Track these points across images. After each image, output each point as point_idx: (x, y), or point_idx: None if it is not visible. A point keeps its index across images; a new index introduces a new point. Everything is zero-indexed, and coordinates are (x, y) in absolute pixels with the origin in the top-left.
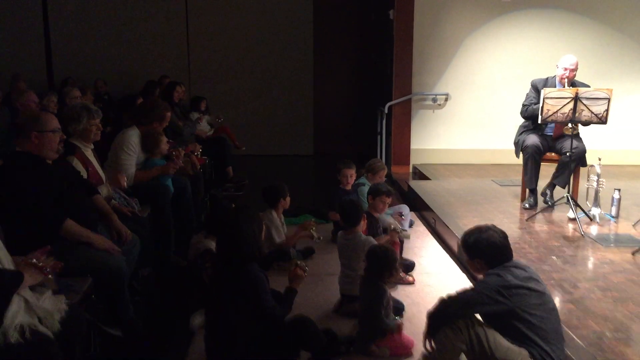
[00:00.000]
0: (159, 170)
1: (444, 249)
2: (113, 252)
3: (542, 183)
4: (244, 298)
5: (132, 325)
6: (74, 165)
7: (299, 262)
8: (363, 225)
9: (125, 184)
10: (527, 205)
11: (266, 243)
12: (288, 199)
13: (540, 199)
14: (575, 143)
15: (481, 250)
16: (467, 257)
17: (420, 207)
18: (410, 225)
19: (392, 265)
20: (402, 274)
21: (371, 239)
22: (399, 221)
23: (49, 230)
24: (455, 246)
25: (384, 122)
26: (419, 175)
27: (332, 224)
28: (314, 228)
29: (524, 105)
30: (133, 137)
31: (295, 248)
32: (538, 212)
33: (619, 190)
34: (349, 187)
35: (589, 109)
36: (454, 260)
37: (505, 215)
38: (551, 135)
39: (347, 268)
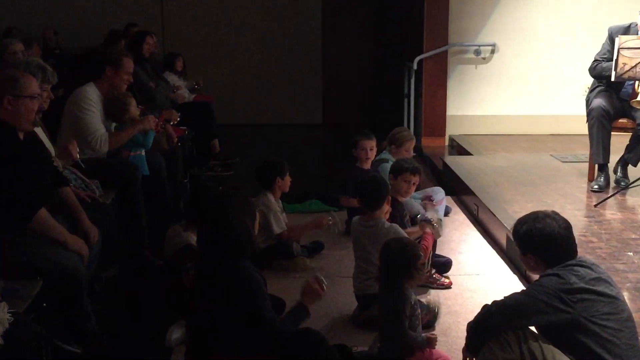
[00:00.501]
0: (136, 127)
1: (489, 243)
2: (83, 256)
3: (617, 158)
4: (235, 306)
5: (93, 339)
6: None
7: (319, 275)
8: (386, 209)
9: (77, 155)
10: (595, 187)
11: (262, 234)
12: (287, 178)
13: (612, 178)
14: None
15: (535, 244)
16: (519, 252)
17: (458, 190)
18: (446, 213)
19: (410, 265)
20: (435, 275)
21: (397, 227)
22: (429, 208)
23: (17, 217)
24: (503, 239)
25: (412, 81)
26: (457, 149)
27: (345, 211)
28: (330, 221)
29: (595, 61)
30: (90, 92)
31: (299, 242)
32: (610, 196)
33: None
34: (367, 166)
35: None
36: (502, 257)
37: (568, 200)
38: (627, 93)
39: (364, 262)
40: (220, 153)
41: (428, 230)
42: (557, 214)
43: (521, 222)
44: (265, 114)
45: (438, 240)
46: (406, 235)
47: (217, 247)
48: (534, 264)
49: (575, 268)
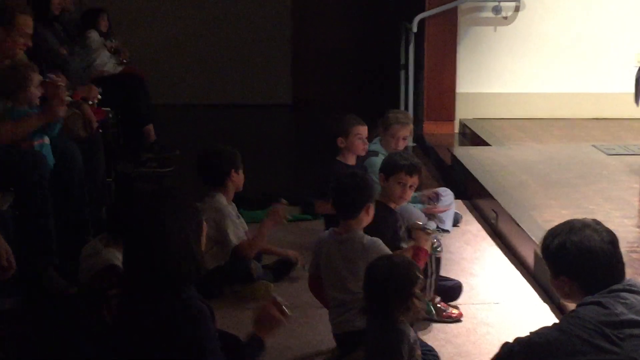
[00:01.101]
0: (41, 116)
1: (512, 262)
2: None
3: None
4: (172, 348)
5: None
6: None
7: (277, 298)
8: (366, 218)
9: None
10: None
11: (210, 251)
12: (242, 173)
13: None
14: None
15: (571, 262)
16: (550, 273)
17: (472, 193)
18: (456, 222)
19: (405, 291)
20: (440, 304)
21: (380, 243)
22: (431, 213)
23: None
24: (530, 257)
25: (411, 48)
26: (471, 138)
27: (322, 220)
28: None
29: None
30: None
31: (260, 261)
32: None
33: None
34: (352, 160)
35: None
36: (528, 280)
37: (615, 205)
38: None
39: (339, 290)
40: (156, 143)
41: (423, 240)
42: (599, 223)
43: (553, 235)
44: (217, 91)
45: (444, 257)
46: (389, 252)
47: (148, 270)
48: (569, 290)
49: (623, 295)
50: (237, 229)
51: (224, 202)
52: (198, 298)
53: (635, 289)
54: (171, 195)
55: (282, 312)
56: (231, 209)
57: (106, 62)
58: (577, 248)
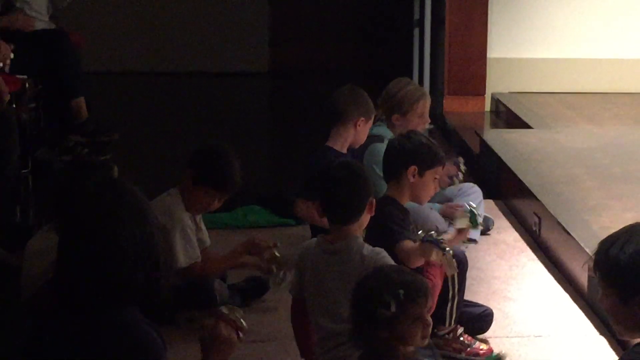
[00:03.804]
0: None
1: (560, 281)
2: None
3: None
4: None
5: None
6: None
7: (226, 311)
8: (367, 219)
9: None
10: None
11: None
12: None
13: None
14: None
15: None
16: (614, 294)
17: (507, 190)
18: (486, 229)
19: (405, 317)
20: (464, 338)
21: (383, 253)
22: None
23: None
24: (584, 276)
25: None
26: (506, 118)
27: (308, 227)
28: (275, 253)
29: None
30: None
31: (225, 281)
32: None
33: None
34: (345, 149)
35: None
36: (580, 306)
37: None
38: None
39: (329, 318)
40: (88, 123)
41: (434, 258)
42: None
43: (615, 242)
44: (172, 57)
45: (470, 276)
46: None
47: (84, 286)
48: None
49: None
50: (190, 246)
51: (181, 206)
52: (146, 324)
53: None
54: (115, 188)
55: (238, 329)
56: (188, 217)
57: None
58: None
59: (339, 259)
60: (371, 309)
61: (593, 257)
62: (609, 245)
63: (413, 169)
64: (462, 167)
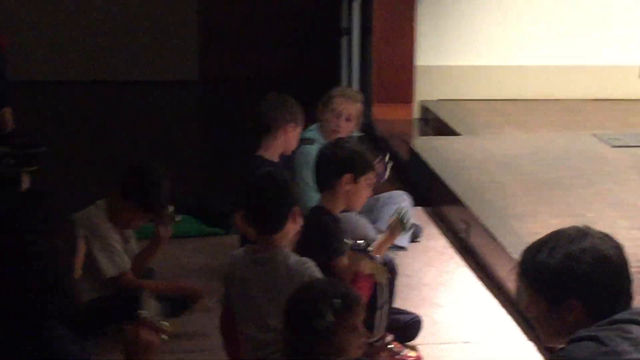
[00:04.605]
0: None
1: (488, 287)
2: None
3: None
4: None
5: None
6: None
7: (144, 313)
8: (293, 228)
9: None
10: None
11: (88, 278)
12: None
13: None
14: None
15: (585, 277)
16: (543, 300)
17: (436, 198)
18: (415, 237)
19: (336, 328)
20: (393, 345)
21: (309, 263)
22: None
23: None
24: (512, 282)
25: (356, 6)
26: (435, 125)
27: (238, 235)
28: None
29: None
30: None
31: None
32: None
33: None
34: (276, 157)
35: None
36: (509, 311)
37: (622, 212)
38: None
39: (256, 327)
40: (13, 134)
41: (364, 268)
42: (606, 235)
43: (543, 247)
44: (102, 66)
45: (400, 283)
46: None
47: (6, 298)
48: (574, 320)
49: (627, 327)
50: (117, 256)
51: (104, 218)
52: (68, 339)
53: None
54: (39, 201)
55: (159, 331)
56: (112, 229)
57: None
58: (593, 256)
59: (265, 269)
60: (308, 320)
61: (518, 263)
62: (536, 252)
63: (347, 177)
64: (388, 161)
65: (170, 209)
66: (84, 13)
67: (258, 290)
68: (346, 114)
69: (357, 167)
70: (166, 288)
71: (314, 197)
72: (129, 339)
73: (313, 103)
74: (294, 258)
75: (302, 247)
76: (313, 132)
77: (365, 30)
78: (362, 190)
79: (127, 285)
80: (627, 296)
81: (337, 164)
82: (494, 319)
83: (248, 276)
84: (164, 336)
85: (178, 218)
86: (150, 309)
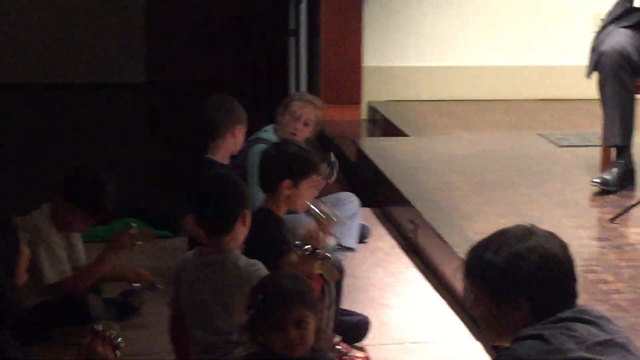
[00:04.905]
0: None
1: (436, 287)
2: None
3: None
4: None
5: None
6: None
7: (101, 328)
8: (243, 231)
9: None
10: (598, 180)
11: (32, 283)
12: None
13: None
14: None
15: (532, 275)
16: (489, 299)
17: (383, 198)
18: (363, 237)
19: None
20: (340, 346)
21: (259, 265)
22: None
23: None
24: (459, 281)
25: (303, 7)
26: (383, 126)
27: (185, 239)
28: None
29: None
30: None
31: (100, 294)
32: (637, 203)
33: None
34: (226, 159)
35: None
36: (455, 311)
37: (568, 211)
38: None
39: (203, 328)
40: None
41: (315, 268)
42: (551, 234)
43: (488, 247)
44: (47, 68)
45: (347, 284)
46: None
47: None
48: (521, 318)
49: (571, 325)
50: (58, 261)
51: (47, 222)
52: (11, 345)
53: (588, 317)
54: None
55: (114, 347)
56: (56, 234)
57: None
58: (539, 255)
59: (214, 272)
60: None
61: (464, 263)
62: (482, 251)
63: (287, 182)
64: (334, 163)
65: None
66: (28, 14)
67: (207, 292)
68: (305, 119)
69: (298, 170)
70: (114, 277)
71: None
72: (83, 352)
73: (262, 104)
74: (244, 260)
75: (248, 248)
76: (268, 133)
77: (313, 32)
78: (304, 193)
79: (69, 292)
80: (572, 294)
81: (277, 167)
82: (442, 319)
83: (197, 278)
84: (118, 352)
85: (133, 231)
86: (97, 313)
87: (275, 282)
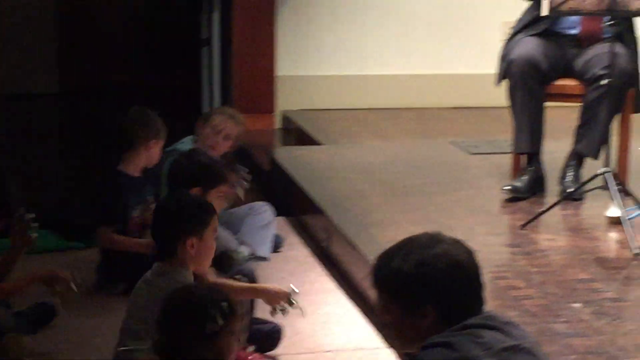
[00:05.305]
0: None
1: (350, 296)
2: None
3: (563, 145)
4: None
5: None
6: None
7: (10, 342)
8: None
9: None
10: (519, 191)
11: None
12: None
13: (550, 178)
14: (618, 58)
15: (440, 282)
16: (398, 307)
17: (297, 207)
18: (277, 247)
19: (229, 336)
20: (253, 357)
21: (171, 275)
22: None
23: None
24: (372, 289)
25: (215, 16)
26: (296, 135)
27: (97, 250)
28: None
29: None
30: None
31: (10, 307)
32: (545, 211)
33: None
34: (138, 172)
35: None
36: (369, 319)
37: (480, 219)
38: (575, 36)
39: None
40: None
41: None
42: (458, 241)
43: (395, 255)
44: None
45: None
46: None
47: None
48: (430, 325)
49: (478, 332)
50: None
51: None
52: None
53: (494, 323)
54: None
55: None
56: None
57: None
58: (446, 262)
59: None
60: (196, 325)
61: (372, 271)
62: (389, 259)
63: (196, 190)
64: (246, 177)
65: (29, 215)
66: None
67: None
68: (225, 132)
69: (206, 179)
70: (24, 284)
71: None
72: None
73: (175, 114)
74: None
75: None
76: (186, 144)
77: (226, 41)
78: (214, 203)
79: None
80: (479, 301)
81: (185, 178)
82: (355, 328)
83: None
84: None
85: (35, 225)
86: (7, 327)
87: (221, 291)
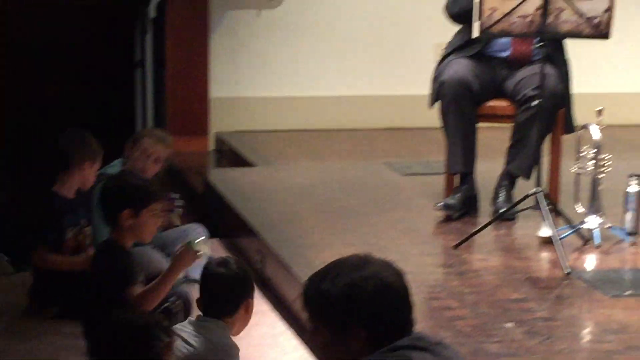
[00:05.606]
0: None
1: (284, 317)
2: None
3: (496, 166)
4: None
5: None
6: None
7: None
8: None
9: None
10: (441, 204)
11: None
12: None
13: (482, 198)
14: (548, 79)
15: (368, 304)
16: (327, 329)
17: (231, 229)
18: None
19: (167, 352)
20: None
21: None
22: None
23: None
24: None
25: (149, 38)
26: (230, 157)
27: (32, 274)
28: None
29: None
30: None
31: None
32: (478, 231)
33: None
34: (72, 193)
35: (574, 7)
36: (303, 340)
37: (414, 239)
38: (506, 59)
39: None
40: None
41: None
42: (387, 263)
43: (325, 277)
44: None
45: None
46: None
47: None
48: (360, 348)
49: (408, 353)
50: None
51: None
52: None
53: (424, 344)
54: None
55: None
56: None
57: None
58: (374, 284)
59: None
60: (145, 345)
61: (302, 293)
62: (318, 281)
63: (127, 212)
64: (178, 202)
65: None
66: None
67: None
68: (155, 156)
69: (137, 199)
70: None
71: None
72: None
73: (107, 135)
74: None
75: (93, 281)
76: (115, 167)
77: (159, 63)
78: (147, 223)
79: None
80: (409, 322)
81: (115, 200)
82: (289, 349)
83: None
84: None
85: None
86: None
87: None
